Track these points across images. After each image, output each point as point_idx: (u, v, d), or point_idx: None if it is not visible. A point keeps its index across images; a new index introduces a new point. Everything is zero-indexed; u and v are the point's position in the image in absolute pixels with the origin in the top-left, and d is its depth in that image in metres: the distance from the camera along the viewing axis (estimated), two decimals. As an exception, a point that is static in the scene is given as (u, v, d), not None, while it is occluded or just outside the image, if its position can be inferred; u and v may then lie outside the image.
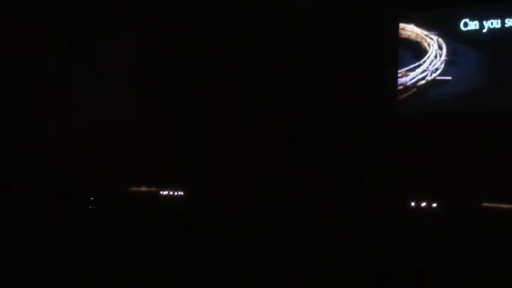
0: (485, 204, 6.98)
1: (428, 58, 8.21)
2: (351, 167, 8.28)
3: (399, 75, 8.35)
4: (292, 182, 8.33)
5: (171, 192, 8.47)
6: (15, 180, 8.25)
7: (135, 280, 5.28)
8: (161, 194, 8.52)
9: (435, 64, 8.16)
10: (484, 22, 7.77)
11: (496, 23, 7.69)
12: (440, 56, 8.12)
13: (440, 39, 8.13)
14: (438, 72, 8.13)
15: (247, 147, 8.77)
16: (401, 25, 8.40)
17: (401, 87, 8.35)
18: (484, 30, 7.77)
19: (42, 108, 9.26)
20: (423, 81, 8.23)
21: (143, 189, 8.73)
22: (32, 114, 9.20)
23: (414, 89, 8.29)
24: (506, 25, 7.62)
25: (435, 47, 8.15)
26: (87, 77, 9.46)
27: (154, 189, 8.63)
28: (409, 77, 8.30)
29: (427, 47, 8.22)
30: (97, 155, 9.14)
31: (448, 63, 8.07)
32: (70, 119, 9.38)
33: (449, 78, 8.06)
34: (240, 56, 9.00)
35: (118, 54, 9.43)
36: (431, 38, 8.20)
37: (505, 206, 6.88)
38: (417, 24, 8.30)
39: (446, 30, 8.07)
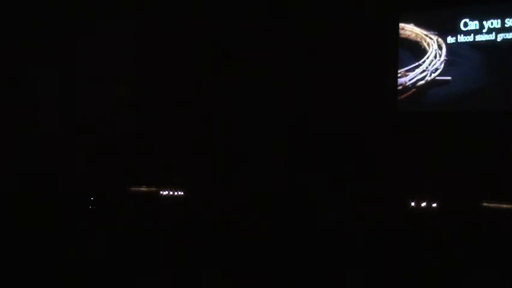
0: (485, 204, 6.98)
1: (427, 58, 8.21)
2: (350, 167, 8.28)
3: (398, 75, 8.36)
4: (292, 182, 8.33)
5: (171, 192, 8.48)
6: (15, 181, 8.24)
7: (135, 280, 5.28)
8: (161, 194, 8.52)
9: (434, 64, 8.16)
10: (484, 22, 7.78)
11: (496, 23, 7.69)
12: (440, 56, 8.13)
13: (439, 39, 8.13)
14: (438, 72, 8.14)
15: (248, 147, 8.78)
16: (401, 25, 8.40)
17: (400, 87, 8.35)
18: (484, 30, 7.78)
19: (42, 108, 9.26)
20: (422, 82, 8.23)
21: (143, 189, 8.73)
22: (32, 114, 9.19)
23: (414, 89, 8.29)
24: (506, 25, 7.63)
25: (435, 47, 8.15)
26: (87, 77, 9.46)
27: (154, 189, 8.64)
28: (408, 77, 8.30)
29: (427, 47, 8.22)
30: (97, 154, 9.14)
31: (448, 63, 8.08)
32: (69, 118, 9.38)
33: (449, 78, 8.06)
34: (240, 56, 9.01)
35: (119, 55, 9.44)
36: (430, 38, 8.20)
37: (505, 206, 6.88)
38: (417, 24, 8.30)
39: (446, 30, 8.08)
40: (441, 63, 8.12)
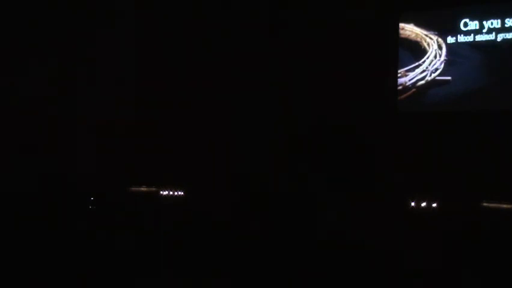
0: (485, 204, 6.98)
1: (427, 58, 8.21)
2: (350, 166, 8.28)
3: (398, 75, 8.36)
4: (292, 182, 8.33)
5: (171, 192, 8.48)
6: (16, 180, 8.24)
7: (135, 280, 5.28)
8: (161, 194, 8.52)
9: (434, 64, 8.15)
10: (484, 22, 7.77)
11: (496, 23, 7.69)
12: (440, 56, 8.12)
13: (439, 39, 8.12)
14: (438, 72, 8.13)
15: (248, 147, 8.78)
16: (401, 25, 8.40)
17: (400, 87, 8.35)
18: (484, 30, 7.78)
19: (43, 108, 9.25)
20: (422, 82, 8.23)
21: (143, 189, 8.73)
22: (32, 114, 9.19)
23: (414, 89, 8.29)
24: (506, 25, 7.63)
25: (435, 47, 8.15)
26: (87, 78, 9.46)
27: (154, 189, 8.64)
28: (408, 77, 8.30)
29: (427, 47, 8.22)
30: (97, 155, 9.14)
31: (448, 63, 8.07)
32: (70, 119, 9.38)
33: (449, 78, 8.06)
34: (241, 55, 9.01)
35: (118, 55, 9.43)
36: (430, 38, 8.20)
37: (505, 206, 6.88)
38: (417, 24, 8.30)
39: (446, 30, 8.07)
40: (441, 63, 8.12)
